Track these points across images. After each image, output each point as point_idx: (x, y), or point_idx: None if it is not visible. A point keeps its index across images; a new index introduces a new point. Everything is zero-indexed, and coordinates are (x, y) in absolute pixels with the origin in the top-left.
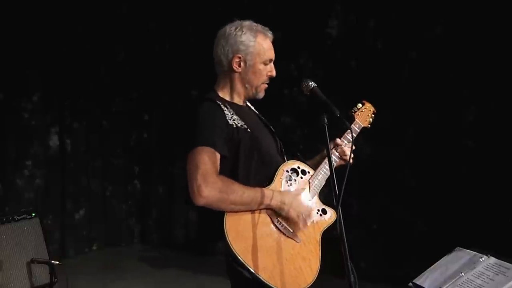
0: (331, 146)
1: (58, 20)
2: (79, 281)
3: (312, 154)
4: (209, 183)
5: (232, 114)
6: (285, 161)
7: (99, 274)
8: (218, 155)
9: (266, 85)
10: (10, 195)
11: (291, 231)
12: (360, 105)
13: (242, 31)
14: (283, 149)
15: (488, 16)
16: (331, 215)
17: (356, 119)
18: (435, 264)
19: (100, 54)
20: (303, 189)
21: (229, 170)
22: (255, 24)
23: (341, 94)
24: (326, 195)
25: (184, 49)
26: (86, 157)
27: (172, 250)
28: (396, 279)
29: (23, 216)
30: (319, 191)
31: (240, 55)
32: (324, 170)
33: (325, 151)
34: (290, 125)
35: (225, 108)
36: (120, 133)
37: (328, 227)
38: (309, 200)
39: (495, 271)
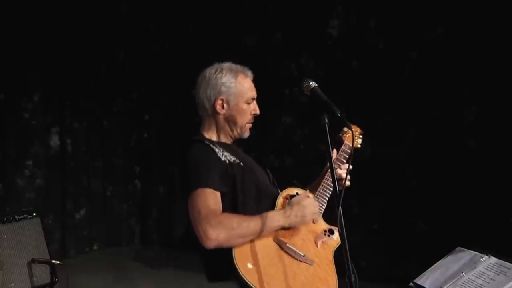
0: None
1: (58, 20)
2: (79, 281)
3: (312, 153)
4: (214, 225)
5: (223, 151)
6: (279, 192)
7: (100, 274)
8: (218, 194)
9: (251, 125)
10: (10, 195)
11: (302, 254)
12: (345, 128)
13: (222, 73)
14: (275, 181)
15: (489, 16)
16: (338, 235)
17: (345, 141)
18: (435, 264)
19: (100, 54)
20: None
21: (230, 207)
22: (234, 65)
23: (342, 94)
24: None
25: (185, 49)
26: (87, 157)
27: (173, 250)
28: (397, 279)
29: (24, 216)
30: (322, 213)
31: (222, 97)
32: (324, 193)
33: (321, 175)
34: (291, 125)
35: (215, 147)
36: (121, 133)
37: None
38: (314, 223)
39: (496, 271)
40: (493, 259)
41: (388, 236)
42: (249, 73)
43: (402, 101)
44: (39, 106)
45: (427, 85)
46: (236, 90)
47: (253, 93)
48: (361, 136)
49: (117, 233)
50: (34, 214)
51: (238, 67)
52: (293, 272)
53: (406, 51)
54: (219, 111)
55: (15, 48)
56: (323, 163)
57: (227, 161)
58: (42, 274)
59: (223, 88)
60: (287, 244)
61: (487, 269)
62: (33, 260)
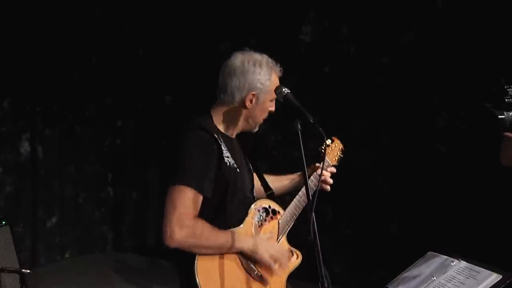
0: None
1: (30, 24)
2: None
3: (285, 159)
4: (184, 228)
5: (226, 151)
6: (253, 198)
7: (72, 282)
8: (201, 197)
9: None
10: None
11: (259, 274)
12: (329, 141)
13: (261, 68)
14: (253, 187)
15: (459, 24)
16: (296, 257)
17: (326, 157)
18: (408, 269)
19: (73, 59)
20: (273, 231)
21: (211, 208)
22: (269, 59)
23: (315, 99)
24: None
25: (158, 55)
26: (58, 163)
27: (146, 257)
28: (370, 284)
29: None
30: (287, 231)
31: (254, 93)
32: (291, 210)
33: (292, 180)
34: (264, 131)
35: (221, 142)
36: (93, 139)
37: (295, 235)
38: (278, 242)
39: (466, 274)
40: (463, 263)
41: (361, 241)
42: (279, 70)
43: (375, 107)
44: (9, 112)
45: (398, 91)
46: (269, 88)
47: None
48: (340, 153)
49: (90, 240)
50: (4, 222)
51: (271, 62)
52: None
53: (378, 57)
54: (247, 105)
55: None
56: (296, 170)
57: (228, 163)
58: (12, 283)
59: (258, 85)
60: (248, 262)
61: (457, 273)
62: (2, 270)
